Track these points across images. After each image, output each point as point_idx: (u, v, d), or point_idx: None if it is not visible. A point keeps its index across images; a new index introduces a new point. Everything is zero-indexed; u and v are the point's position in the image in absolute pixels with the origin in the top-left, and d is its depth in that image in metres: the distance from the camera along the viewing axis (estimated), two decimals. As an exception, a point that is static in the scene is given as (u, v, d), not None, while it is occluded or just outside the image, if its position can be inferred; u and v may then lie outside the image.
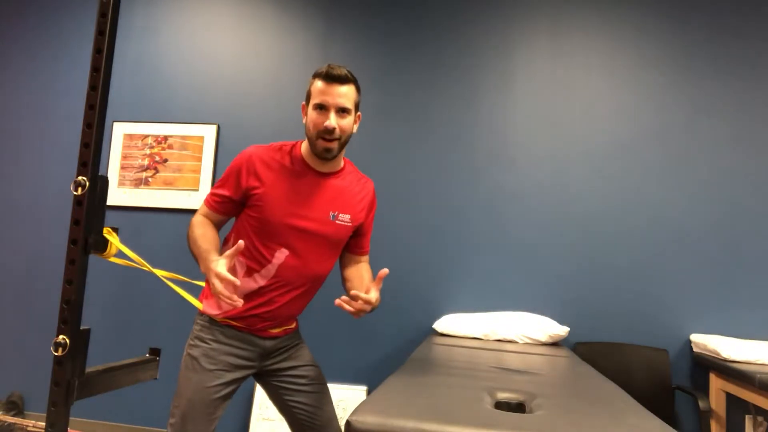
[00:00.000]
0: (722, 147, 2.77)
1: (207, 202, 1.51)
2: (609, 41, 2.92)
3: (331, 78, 1.40)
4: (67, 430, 1.03)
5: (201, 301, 1.54)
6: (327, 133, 1.40)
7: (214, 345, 1.47)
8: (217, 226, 1.53)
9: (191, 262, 3.10)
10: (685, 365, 2.68)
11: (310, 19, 3.18)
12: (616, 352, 2.69)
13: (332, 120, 1.40)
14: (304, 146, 1.50)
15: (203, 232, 1.44)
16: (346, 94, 1.41)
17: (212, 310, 1.50)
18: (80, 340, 1.06)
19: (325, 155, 1.43)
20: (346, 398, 2.83)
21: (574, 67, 2.93)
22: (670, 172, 2.80)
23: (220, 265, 1.27)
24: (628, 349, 2.69)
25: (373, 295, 1.32)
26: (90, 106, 1.09)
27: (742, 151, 2.76)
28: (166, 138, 3.20)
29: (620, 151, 2.84)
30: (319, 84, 1.42)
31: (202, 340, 1.48)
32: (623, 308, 2.75)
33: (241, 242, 1.28)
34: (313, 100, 1.42)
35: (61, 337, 1.03)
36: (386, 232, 2.96)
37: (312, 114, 1.43)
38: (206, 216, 1.51)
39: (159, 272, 1.37)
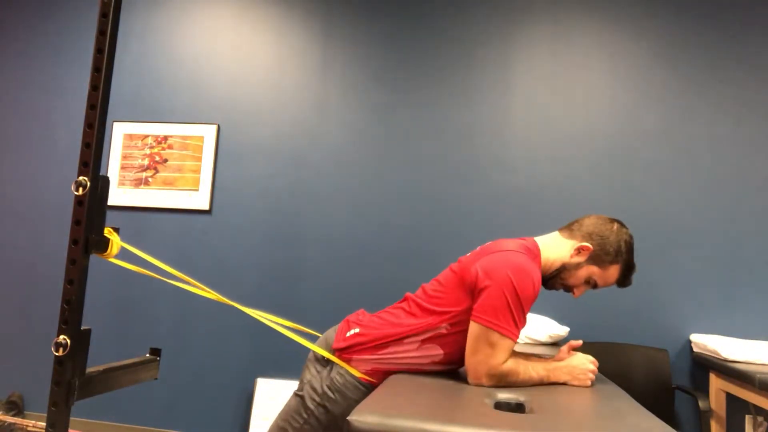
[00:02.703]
0: (723, 146, 2.77)
1: (515, 337, 1.35)
2: (609, 40, 2.92)
3: (626, 286, 1.52)
4: (67, 430, 1.03)
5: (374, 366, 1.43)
6: (565, 291, 1.51)
7: (353, 406, 1.40)
8: None
9: (191, 264, 3.10)
10: (685, 365, 2.68)
11: (310, 19, 3.18)
12: (616, 352, 2.69)
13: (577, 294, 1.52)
14: (543, 264, 1.49)
15: (516, 365, 1.35)
16: None
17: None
18: (81, 341, 1.06)
19: (545, 288, 1.54)
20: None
21: (574, 66, 2.93)
22: (670, 172, 2.80)
23: (586, 358, 1.42)
24: (628, 349, 2.68)
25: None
26: (91, 106, 1.09)
27: (742, 150, 2.76)
28: (166, 138, 3.20)
29: (620, 151, 2.84)
30: (617, 276, 1.48)
31: (345, 397, 1.40)
32: (623, 308, 2.75)
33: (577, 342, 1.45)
34: (599, 278, 1.47)
35: (61, 337, 1.03)
36: (386, 232, 2.96)
37: (582, 279, 1.48)
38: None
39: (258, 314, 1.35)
